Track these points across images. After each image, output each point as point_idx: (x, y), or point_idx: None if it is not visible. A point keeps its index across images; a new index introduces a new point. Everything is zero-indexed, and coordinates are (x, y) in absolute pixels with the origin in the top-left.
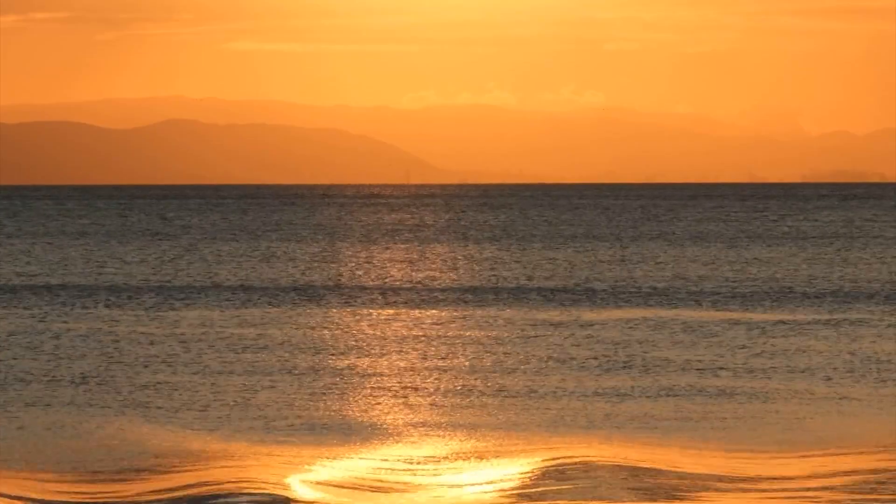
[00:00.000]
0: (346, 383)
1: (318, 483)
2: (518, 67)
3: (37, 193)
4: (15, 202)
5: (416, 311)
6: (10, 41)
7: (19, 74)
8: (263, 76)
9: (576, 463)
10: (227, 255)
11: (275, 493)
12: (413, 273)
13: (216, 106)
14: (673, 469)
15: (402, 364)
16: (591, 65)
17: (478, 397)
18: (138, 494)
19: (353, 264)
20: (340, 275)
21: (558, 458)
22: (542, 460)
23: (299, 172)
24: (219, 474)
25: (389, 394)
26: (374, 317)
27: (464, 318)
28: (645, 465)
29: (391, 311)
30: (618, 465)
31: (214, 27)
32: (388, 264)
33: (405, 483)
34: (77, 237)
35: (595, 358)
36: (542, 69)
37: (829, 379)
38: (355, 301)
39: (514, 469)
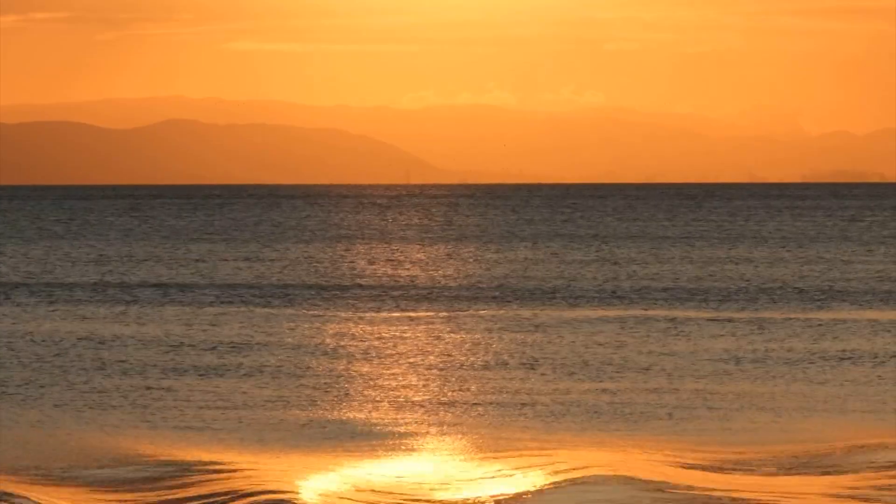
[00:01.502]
0: (368, 387)
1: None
2: (518, 67)
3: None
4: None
5: (418, 313)
6: (10, 41)
7: (19, 74)
8: (263, 76)
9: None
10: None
11: (283, 497)
12: (411, 273)
13: (216, 106)
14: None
15: (408, 367)
16: (591, 65)
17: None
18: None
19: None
20: (357, 275)
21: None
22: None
23: (299, 172)
24: (234, 482)
25: (392, 398)
26: (373, 319)
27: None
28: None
29: (390, 314)
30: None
31: (214, 27)
32: (385, 264)
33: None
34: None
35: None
36: (542, 69)
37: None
38: (368, 303)
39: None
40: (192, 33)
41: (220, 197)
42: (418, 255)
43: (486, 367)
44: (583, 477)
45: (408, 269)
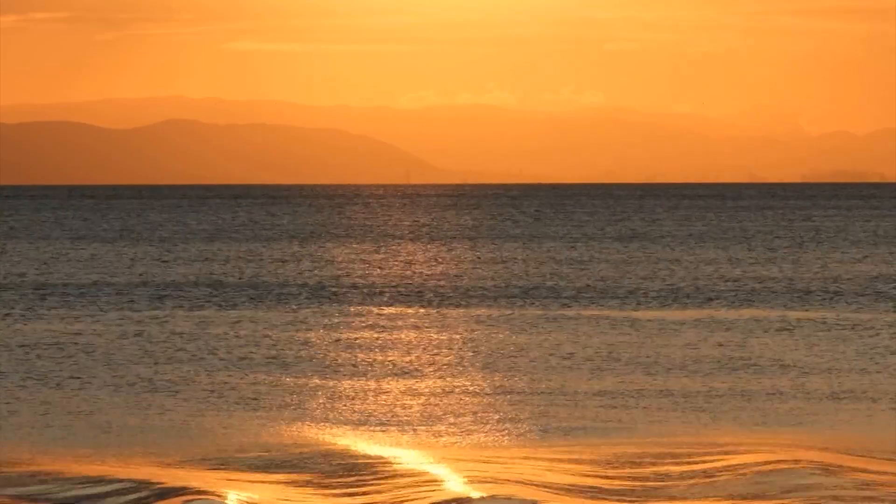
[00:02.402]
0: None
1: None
2: (518, 67)
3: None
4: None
5: (411, 310)
6: (10, 41)
7: (19, 74)
8: (263, 76)
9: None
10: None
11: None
12: (404, 273)
13: (216, 106)
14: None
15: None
16: (591, 65)
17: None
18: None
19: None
20: (356, 274)
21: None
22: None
23: (299, 172)
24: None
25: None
26: (372, 317)
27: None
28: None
29: (384, 311)
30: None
31: (214, 27)
32: (380, 264)
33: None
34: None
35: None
36: (542, 69)
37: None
38: (363, 301)
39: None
40: (192, 33)
41: (223, 197)
42: (407, 254)
43: (595, 366)
44: (768, 464)
45: (398, 267)
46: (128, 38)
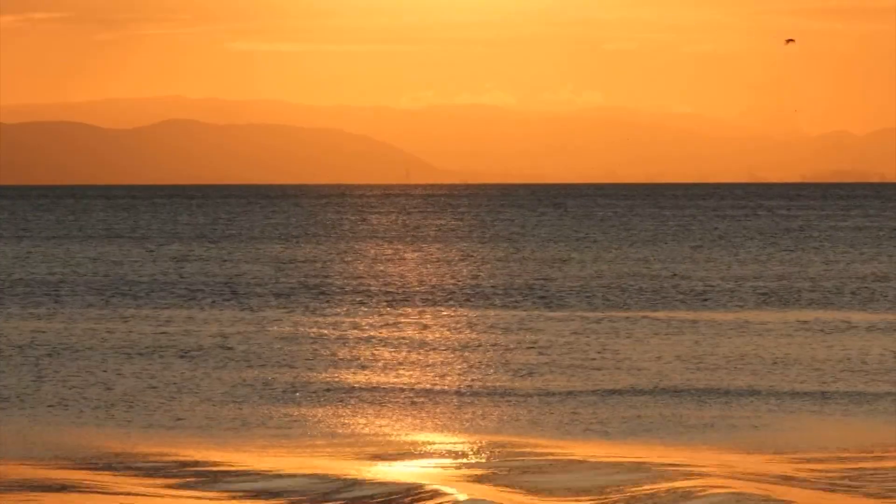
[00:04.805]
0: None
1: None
2: (518, 67)
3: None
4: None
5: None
6: (10, 41)
7: (19, 74)
8: (263, 76)
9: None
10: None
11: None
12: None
13: (215, 106)
14: None
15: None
16: (590, 65)
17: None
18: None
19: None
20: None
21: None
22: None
23: (299, 172)
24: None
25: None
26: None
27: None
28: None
29: (375, 313)
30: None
31: (214, 27)
32: (368, 264)
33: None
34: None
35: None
36: (541, 69)
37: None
38: (360, 303)
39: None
40: (191, 33)
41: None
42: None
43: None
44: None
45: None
46: (127, 38)
